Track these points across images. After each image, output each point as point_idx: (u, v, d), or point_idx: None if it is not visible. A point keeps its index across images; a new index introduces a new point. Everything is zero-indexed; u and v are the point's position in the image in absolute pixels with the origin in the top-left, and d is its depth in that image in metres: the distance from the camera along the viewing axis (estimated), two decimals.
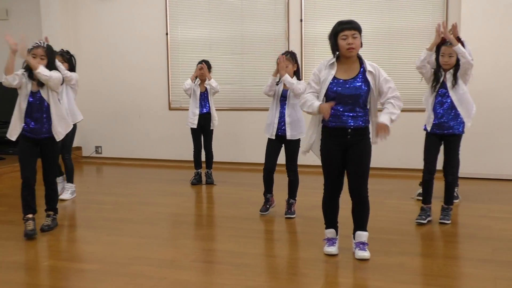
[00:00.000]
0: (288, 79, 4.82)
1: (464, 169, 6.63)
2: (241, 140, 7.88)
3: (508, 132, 6.52)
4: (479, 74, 6.41)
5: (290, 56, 4.97)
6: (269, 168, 5.05)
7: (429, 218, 4.77)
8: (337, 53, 3.74)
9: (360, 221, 3.88)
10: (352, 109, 3.71)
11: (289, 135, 4.93)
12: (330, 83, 3.72)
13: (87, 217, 5.25)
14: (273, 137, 4.98)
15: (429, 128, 4.72)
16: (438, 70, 4.65)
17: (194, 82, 6.49)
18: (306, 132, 4.10)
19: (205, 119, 6.50)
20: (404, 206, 5.12)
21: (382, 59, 6.61)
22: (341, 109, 3.70)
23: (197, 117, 6.47)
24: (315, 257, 3.90)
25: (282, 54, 4.99)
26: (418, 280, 3.58)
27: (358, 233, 3.88)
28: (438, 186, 4.93)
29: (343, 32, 3.63)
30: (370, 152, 3.82)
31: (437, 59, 4.66)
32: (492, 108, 6.52)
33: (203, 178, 6.69)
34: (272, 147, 5.03)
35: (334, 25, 3.73)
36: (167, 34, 8.13)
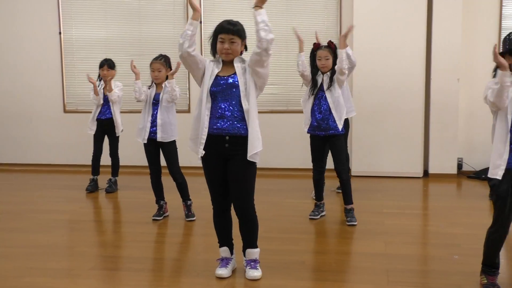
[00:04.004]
0: (174, 84, 4.84)
1: (357, 168, 6.98)
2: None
3: (397, 131, 6.90)
4: (368, 76, 6.78)
5: (164, 60, 4.95)
6: (154, 172, 5.01)
7: (322, 214, 5.00)
8: (217, 55, 3.44)
9: (249, 239, 3.57)
10: (230, 112, 3.35)
11: (159, 137, 4.89)
12: (213, 81, 3.39)
13: None
14: (145, 141, 4.93)
15: (306, 130, 4.82)
16: (316, 73, 4.79)
17: (98, 86, 6.15)
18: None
19: (108, 124, 6.20)
20: (303, 205, 5.26)
21: None
22: (219, 111, 3.36)
23: (95, 123, 6.21)
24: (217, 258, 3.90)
25: (156, 58, 4.95)
26: (317, 276, 3.70)
27: (249, 251, 3.57)
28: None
29: (221, 35, 3.37)
30: (252, 165, 3.39)
31: (314, 63, 4.79)
32: (380, 108, 6.86)
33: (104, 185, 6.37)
34: (150, 151, 4.97)
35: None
36: (60, 33, 7.78)
